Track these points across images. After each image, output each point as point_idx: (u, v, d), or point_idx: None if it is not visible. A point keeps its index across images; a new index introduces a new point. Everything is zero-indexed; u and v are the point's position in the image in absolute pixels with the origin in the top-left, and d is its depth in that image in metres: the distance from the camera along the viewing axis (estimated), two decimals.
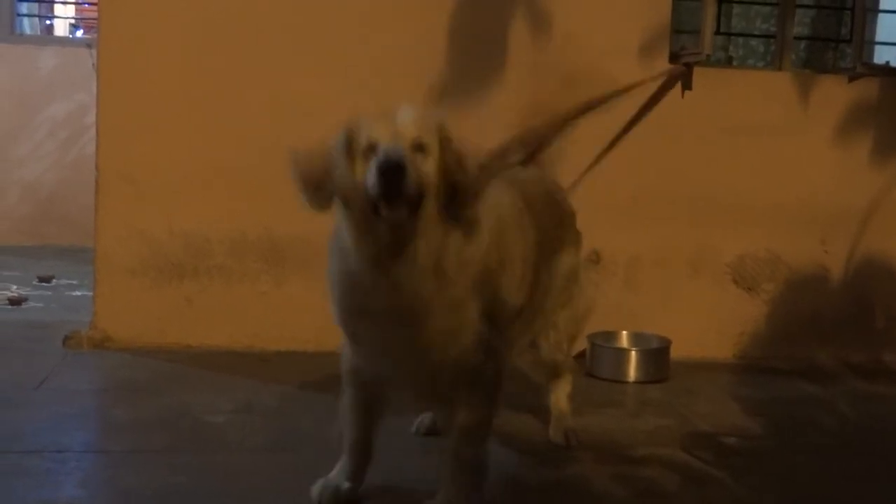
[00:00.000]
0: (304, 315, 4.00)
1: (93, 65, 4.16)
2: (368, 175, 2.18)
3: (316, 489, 2.53)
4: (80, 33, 8.76)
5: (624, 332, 4.11)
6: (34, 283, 5.46)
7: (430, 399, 2.63)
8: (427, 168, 2.23)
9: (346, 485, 2.54)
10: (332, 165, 2.27)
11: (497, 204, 2.47)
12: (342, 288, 2.37)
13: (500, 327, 2.48)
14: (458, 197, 2.26)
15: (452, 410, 2.47)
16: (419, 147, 2.23)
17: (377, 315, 2.31)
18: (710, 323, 4.30)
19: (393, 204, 2.16)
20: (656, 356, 3.97)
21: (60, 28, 8.82)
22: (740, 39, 5.24)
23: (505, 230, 2.49)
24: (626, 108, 4.04)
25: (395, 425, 2.94)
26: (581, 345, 3.71)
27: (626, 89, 3.88)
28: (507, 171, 2.74)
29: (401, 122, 2.25)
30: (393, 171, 2.14)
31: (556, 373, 3.10)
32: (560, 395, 3.13)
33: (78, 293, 5.13)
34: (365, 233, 2.23)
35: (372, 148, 2.21)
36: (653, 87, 4.10)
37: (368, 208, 2.20)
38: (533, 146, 3.08)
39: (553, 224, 2.88)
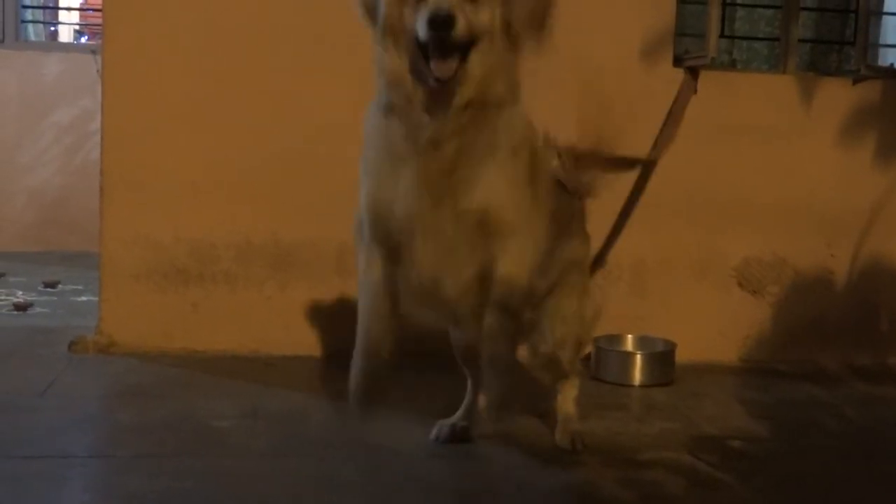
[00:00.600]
0: (310, 320, 4.02)
1: (97, 71, 4.16)
2: (418, 24, 2.21)
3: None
4: (84, 39, 8.77)
5: (629, 336, 4.10)
6: (40, 288, 5.46)
7: (459, 286, 2.48)
8: (480, 18, 2.26)
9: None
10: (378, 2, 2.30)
11: (532, 134, 2.52)
12: (378, 138, 2.37)
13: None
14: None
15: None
16: None
17: (413, 158, 2.30)
18: (716, 326, 4.29)
19: (443, 54, 2.20)
20: (661, 359, 3.96)
21: (65, 34, 8.84)
22: (744, 42, 5.22)
23: (536, 150, 2.53)
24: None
25: (413, 432, 2.96)
26: (586, 348, 3.70)
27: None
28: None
29: None
30: (441, 25, 2.17)
31: (557, 372, 3.01)
32: (566, 399, 3.10)
33: (83, 298, 5.13)
34: (412, 74, 2.26)
35: None
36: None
37: (418, 53, 2.24)
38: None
39: (566, 203, 2.89)
